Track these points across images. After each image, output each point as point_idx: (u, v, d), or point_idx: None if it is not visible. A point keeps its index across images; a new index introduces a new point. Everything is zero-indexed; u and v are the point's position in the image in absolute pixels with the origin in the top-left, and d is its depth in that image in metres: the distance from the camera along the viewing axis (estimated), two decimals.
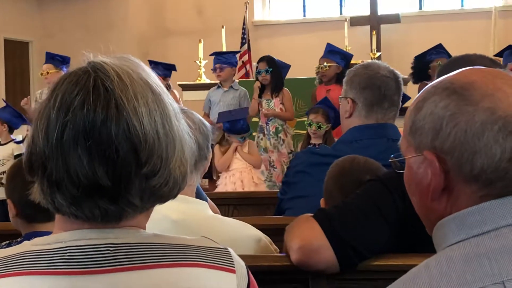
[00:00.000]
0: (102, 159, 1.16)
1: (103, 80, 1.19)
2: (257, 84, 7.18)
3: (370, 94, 2.77)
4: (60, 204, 1.19)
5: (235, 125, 6.22)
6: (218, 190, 6.16)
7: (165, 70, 7.77)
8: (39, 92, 8.04)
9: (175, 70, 8.00)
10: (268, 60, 7.25)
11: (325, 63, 7.06)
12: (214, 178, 6.64)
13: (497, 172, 1.17)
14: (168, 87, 7.50)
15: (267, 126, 7.20)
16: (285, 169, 6.82)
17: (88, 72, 1.21)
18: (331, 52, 7.21)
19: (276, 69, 7.19)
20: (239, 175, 6.16)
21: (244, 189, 6.01)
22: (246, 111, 6.70)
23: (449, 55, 6.81)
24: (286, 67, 7.43)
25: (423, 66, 6.88)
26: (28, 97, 8.13)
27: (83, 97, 1.17)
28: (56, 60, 7.86)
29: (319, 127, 6.04)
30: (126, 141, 1.17)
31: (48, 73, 7.72)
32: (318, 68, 7.13)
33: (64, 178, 1.17)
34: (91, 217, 1.20)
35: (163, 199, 1.26)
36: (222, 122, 6.29)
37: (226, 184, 6.20)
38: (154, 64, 7.65)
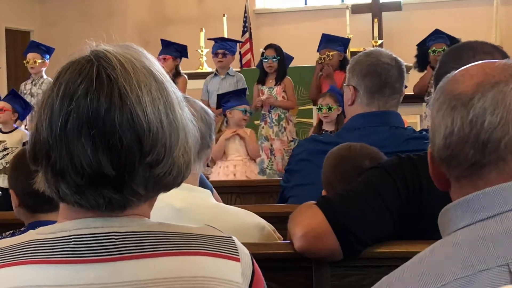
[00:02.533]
0: (106, 148, 1.16)
1: (106, 69, 1.19)
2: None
3: (371, 82, 2.78)
4: (64, 193, 1.19)
5: (238, 95, 6.22)
6: (211, 178, 6.11)
7: (176, 51, 7.50)
8: (23, 84, 7.94)
9: (186, 53, 7.69)
10: (276, 48, 7.23)
11: (327, 53, 7.05)
12: (208, 166, 6.63)
13: (447, 150, 1.19)
14: (178, 72, 7.37)
15: (270, 114, 7.19)
16: (285, 157, 6.83)
17: (91, 61, 1.20)
18: (330, 41, 7.21)
19: (282, 58, 7.20)
20: (233, 168, 6.13)
21: None
22: (245, 91, 6.68)
23: (449, 38, 6.76)
24: (290, 59, 7.43)
25: (424, 53, 6.84)
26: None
27: (86, 86, 1.17)
28: (41, 49, 7.71)
29: (329, 109, 6.02)
30: (130, 130, 1.17)
31: (35, 62, 7.58)
32: (321, 59, 7.12)
33: (68, 167, 1.17)
34: (96, 206, 1.20)
35: (167, 187, 1.26)
36: (224, 102, 6.26)
37: (219, 174, 6.17)
38: (166, 44, 7.48)
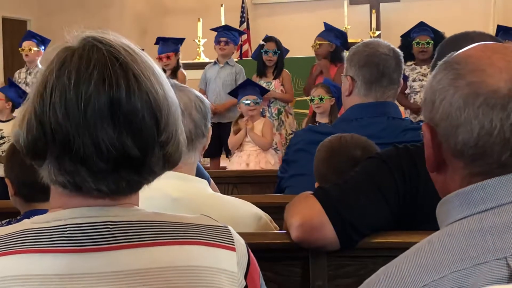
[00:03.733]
0: (129, 130, 1.17)
1: (113, 53, 1.20)
2: None
3: (369, 72, 2.78)
4: (83, 180, 1.19)
5: (244, 87, 6.26)
6: (229, 168, 6.23)
7: (175, 45, 7.46)
8: (17, 72, 7.93)
9: (181, 44, 7.65)
10: (276, 41, 7.24)
11: (316, 41, 7.08)
12: (230, 156, 6.66)
13: (476, 149, 1.17)
14: (178, 65, 7.34)
15: (269, 109, 7.19)
16: (282, 150, 6.83)
17: (96, 46, 1.20)
18: (326, 31, 7.24)
19: (281, 52, 7.22)
20: (246, 158, 6.16)
21: None
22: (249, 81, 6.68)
23: (433, 31, 6.78)
24: (286, 51, 7.42)
25: (408, 45, 6.86)
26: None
27: (101, 71, 1.17)
28: (37, 39, 7.74)
29: (321, 99, 6.00)
30: (147, 110, 1.19)
31: (30, 49, 7.58)
32: (312, 47, 7.19)
33: (93, 153, 1.16)
34: (115, 190, 1.21)
35: (173, 165, 1.28)
36: (236, 96, 6.29)
37: (234, 163, 6.24)
38: (163, 41, 7.44)
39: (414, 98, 6.71)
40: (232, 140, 6.24)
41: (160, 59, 7.16)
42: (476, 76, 1.18)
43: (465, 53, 1.24)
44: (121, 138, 1.17)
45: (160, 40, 7.50)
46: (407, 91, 6.74)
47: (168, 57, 7.21)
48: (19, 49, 7.77)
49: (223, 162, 7.28)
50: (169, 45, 7.38)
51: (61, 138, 1.17)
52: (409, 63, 6.82)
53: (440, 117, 1.21)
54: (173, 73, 7.13)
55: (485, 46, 1.25)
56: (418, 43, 6.74)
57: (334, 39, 7.08)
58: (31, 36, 7.83)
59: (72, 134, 1.16)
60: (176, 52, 7.40)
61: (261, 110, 6.49)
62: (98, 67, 1.18)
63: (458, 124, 1.18)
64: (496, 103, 1.15)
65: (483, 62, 1.20)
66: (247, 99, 6.23)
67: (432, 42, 6.57)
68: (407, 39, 6.96)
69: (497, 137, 1.15)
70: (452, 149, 1.21)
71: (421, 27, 6.92)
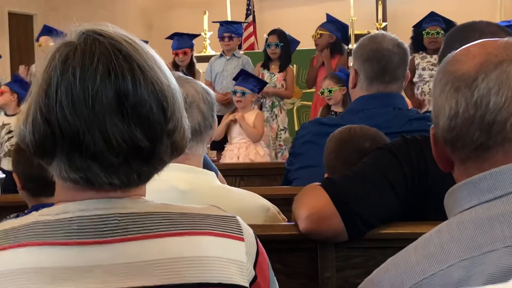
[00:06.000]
0: (138, 121, 1.18)
1: (116, 45, 1.19)
2: None
3: (371, 68, 2.78)
4: (95, 175, 1.19)
5: (236, 79, 6.25)
6: (221, 161, 6.21)
7: (190, 41, 7.40)
8: (34, 66, 7.94)
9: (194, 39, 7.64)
10: (279, 33, 7.23)
11: (318, 32, 7.07)
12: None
13: (451, 132, 1.19)
14: (192, 61, 7.30)
15: (265, 100, 7.19)
16: (271, 144, 6.84)
17: (98, 39, 1.20)
18: (328, 22, 7.26)
19: (286, 44, 7.19)
20: (237, 151, 6.16)
21: None
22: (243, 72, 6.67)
23: (445, 21, 6.75)
24: (296, 42, 7.40)
25: (420, 35, 6.84)
26: (25, 66, 8.04)
27: (106, 65, 1.17)
28: (54, 34, 7.75)
29: (330, 91, 6.02)
30: (154, 100, 1.19)
31: (47, 45, 7.63)
32: (313, 36, 7.21)
33: (104, 147, 1.16)
34: (126, 183, 1.21)
35: (180, 152, 1.28)
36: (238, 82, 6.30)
37: (226, 157, 6.26)
38: (179, 36, 7.38)
39: (422, 88, 6.69)
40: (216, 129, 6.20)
41: (176, 54, 7.15)
42: (451, 65, 1.22)
43: (454, 52, 1.27)
44: (131, 130, 1.17)
45: (175, 36, 7.45)
46: (416, 79, 6.72)
47: (185, 53, 7.18)
48: (37, 44, 7.80)
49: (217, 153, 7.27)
50: (185, 41, 7.34)
51: (70, 135, 1.17)
52: (420, 52, 6.82)
53: (432, 113, 1.25)
54: (188, 69, 7.11)
55: (474, 43, 1.26)
56: (428, 33, 6.72)
57: (335, 31, 7.09)
58: (48, 30, 7.83)
59: (81, 131, 1.16)
60: (192, 47, 7.40)
61: (252, 101, 6.43)
62: (102, 61, 1.17)
63: (437, 113, 1.22)
64: (461, 85, 1.18)
65: (460, 53, 1.24)
66: (234, 89, 6.28)
67: (443, 32, 6.53)
68: (418, 29, 6.94)
69: (463, 116, 1.16)
70: (440, 138, 1.23)
71: (433, 17, 6.89)
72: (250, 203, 2.07)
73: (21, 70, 7.89)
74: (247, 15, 11.64)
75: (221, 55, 7.58)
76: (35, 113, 1.19)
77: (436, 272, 1.09)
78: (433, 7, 7.56)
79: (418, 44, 6.85)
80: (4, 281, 1.15)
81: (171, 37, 7.48)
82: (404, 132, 2.07)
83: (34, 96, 1.21)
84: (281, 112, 7.19)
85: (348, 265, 1.95)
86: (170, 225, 1.22)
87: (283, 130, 7.09)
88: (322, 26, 7.19)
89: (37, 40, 7.82)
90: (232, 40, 7.47)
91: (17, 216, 2.31)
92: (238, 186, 3.30)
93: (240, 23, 8.08)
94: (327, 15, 7.40)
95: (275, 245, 1.84)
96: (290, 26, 7.96)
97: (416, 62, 6.73)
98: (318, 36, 7.08)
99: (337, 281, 1.95)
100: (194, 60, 7.40)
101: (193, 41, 7.44)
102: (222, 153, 6.42)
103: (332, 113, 5.97)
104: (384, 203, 1.90)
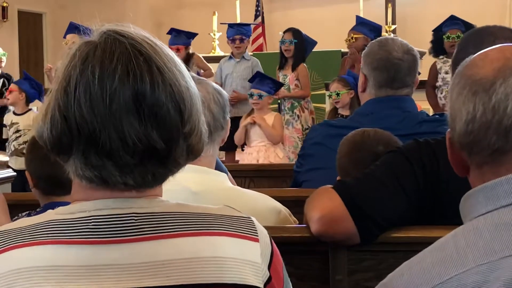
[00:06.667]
0: (154, 123, 1.18)
1: (135, 46, 1.20)
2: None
3: (380, 76, 2.78)
4: (109, 174, 1.19)
5: (252, 81, 6.23)
6: (241, 161, 6.24)
7: (187, 39, 7.50)
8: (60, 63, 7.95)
9: (193, 38, 7.70)
10: (294, 31, 7.18)
11: (352, 35, 7.04)
12: (243, 150, 6.67)
13: (468, 136, 1.18)
14: (187, 58, 7.32)
15: (284, 102, 7.17)
16: (299, 145, 6.80)
17: (118, 40, 1.21)
18: (360, 24, 7.22)
19: (301, 42, 7.11)
20: (256, 154, 6.15)
21: None
22: (259, 74, 6.65)
23: (465, 25, 6.73)
24: (313, 43, 7.33)
25: (440, 39, 6.83)
26: (50, 66, 8.03)
27: (125, 65, 1.18)
28: (79, 30, 7.74)
29: (338, 94, 6.03)
30: (171, 102, 1.19)
31: (74, 42, 7.62)
32: (346, 40, 7.17)
33: (119, 146, 1.17)
34: (141, 183, 1.21)
35: (196, 156, 1.28)
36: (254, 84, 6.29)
37: (244, 160, 6.25)
38: (176, 33, 7.46)
39: (446, 91, 6.67)
40: (236, 134, 6.24)
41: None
42: (469, 70, 1.22)
43: (472, 56, 1.26)
44: (147, 131, 1.17)
45: (173, 31, 7.51)
46: (439, 82, 6.71)
47: (177, 50, 7.19)
48: (63, 42, 7.82)
49: (238, 155, 7.29)
50: (181, 38, 7.40)
51: (87, 133, 1.17)
52: (441, 57, 6.81)
53: (449, 113, 1.24)
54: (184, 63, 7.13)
55: (492, 48, 1.26)
56: (448, 37, 6.71)
57: (368, 32, 7.04)
58: (74, 27, 7.84)
59: (98, 129, 1.16)
60: (187, 45, 7.44)
61: (269, 102, 6.43)
62: (122, 61, 1.18)
63: (454, 117, 1.22)
64: (479, 89, 1.18)
65: (478, 57, 1.23)
66: (250, 92, 6.27)
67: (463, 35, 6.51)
68: (438, 33, 6.92)
69: (480, 120, 1.16)
70: (456, 142, 1.22)
71: (452, 21, 6.88)
72: (262, 205, 2.07)
73: (48, 68, 7.88)
74: (256, 16, 11.66)
75: (230, 57, 7.57)
76: (53, 110, 1.20)
77: (452, 276, 1.09)
78: (442, 9, 7.59)
79: (438, 47, 6.85)
80: (20, 278, 1.15)
81: (170, 32, 7.52)
82: (414, 135, 2.08)
83: (53, 93, 1.22)
84: (303, 112, 7.15)
85: (359, 268, 1.95)
86: (186, 225, 1.22)
87: (307, 129, 7.04)
88: (355, 30, 7.11)
89: (64, 37, 7.83)
90: (243, 43, 7.47)
91: (29, 215, 2.33)
92: (248, 188, 3.30)
93: (249, 24, 8.08)
94: (357, 17, 7.36)
95: (286, 247, 1.83)
96: (299, 27, 7.94)
97: (438, 66, 6.74)
98: (353, 40, 7.03)
99: (349, 284, 1.95)
100: (193, 60, 7.43)
101: (190, 40, 7.49)
102: (241, 156, 6.43)
103: (339, 116, 5.97)
104: (396, 206, 1.90)
